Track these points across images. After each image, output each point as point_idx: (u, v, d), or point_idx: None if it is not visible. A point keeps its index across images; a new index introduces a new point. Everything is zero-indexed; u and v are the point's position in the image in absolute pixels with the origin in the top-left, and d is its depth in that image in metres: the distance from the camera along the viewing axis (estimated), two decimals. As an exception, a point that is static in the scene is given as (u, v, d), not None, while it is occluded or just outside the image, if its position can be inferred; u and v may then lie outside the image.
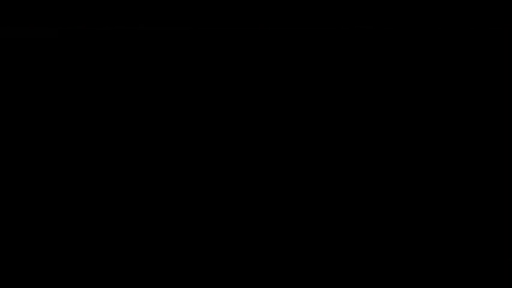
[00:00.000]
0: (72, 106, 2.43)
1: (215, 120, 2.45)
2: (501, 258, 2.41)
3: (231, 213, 2.44)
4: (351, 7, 2.37)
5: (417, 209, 2.43)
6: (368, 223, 2.44)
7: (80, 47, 2.43)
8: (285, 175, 2.45)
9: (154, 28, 2.38)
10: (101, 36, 2.42)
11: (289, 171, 2.45)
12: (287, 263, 2.43)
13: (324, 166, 2.45)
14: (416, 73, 2.44)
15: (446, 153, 2.43)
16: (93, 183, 2.43)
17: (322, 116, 2.46)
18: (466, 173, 2.42)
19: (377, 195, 2.44)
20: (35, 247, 2.45)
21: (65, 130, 2.42)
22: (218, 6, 2.44)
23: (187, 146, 2.45)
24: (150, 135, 2.45)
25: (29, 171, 2.45)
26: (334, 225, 2.44)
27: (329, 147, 2.46)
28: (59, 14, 2.35)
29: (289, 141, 2.46)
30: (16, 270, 2.44)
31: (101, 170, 2.44)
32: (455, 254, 2.41)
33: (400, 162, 2.44)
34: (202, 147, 2.44)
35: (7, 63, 2.40)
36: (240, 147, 2.45)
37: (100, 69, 2.44)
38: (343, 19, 2.39)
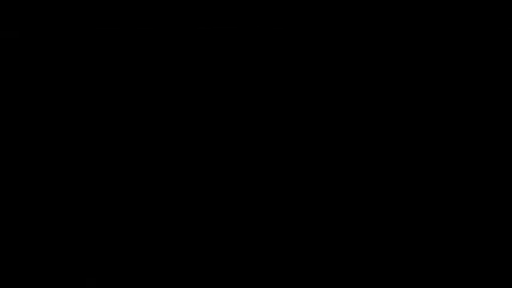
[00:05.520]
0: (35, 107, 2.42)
1: (215, 121, 2.48)
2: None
3: (231, 214, 2.48)
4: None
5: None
6: (369, 224, 2.43)
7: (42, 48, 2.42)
8: (285, 175, 2.48)
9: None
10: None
11: (290, 172, 2.48)
12: (287, 263, 2.45)
13: (324, 167, 2.47)
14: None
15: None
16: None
17: (322, 115, 2.48)
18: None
19: (379, 197, 2.45)
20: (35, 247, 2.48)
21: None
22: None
23: (187, 147, 2.48)
24: (147, 136, 2.45)
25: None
26: (335, 227, 2.45)
27: (330, 147, 2.47)
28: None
29: (289, 141, 2.48)
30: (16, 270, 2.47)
31: (97, 173, 2.43)
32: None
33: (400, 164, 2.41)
34: (202, 148, 2.47)
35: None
36: (240, 149, 2.48)
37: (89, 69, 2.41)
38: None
